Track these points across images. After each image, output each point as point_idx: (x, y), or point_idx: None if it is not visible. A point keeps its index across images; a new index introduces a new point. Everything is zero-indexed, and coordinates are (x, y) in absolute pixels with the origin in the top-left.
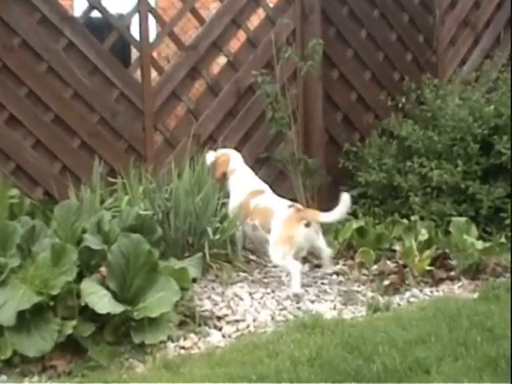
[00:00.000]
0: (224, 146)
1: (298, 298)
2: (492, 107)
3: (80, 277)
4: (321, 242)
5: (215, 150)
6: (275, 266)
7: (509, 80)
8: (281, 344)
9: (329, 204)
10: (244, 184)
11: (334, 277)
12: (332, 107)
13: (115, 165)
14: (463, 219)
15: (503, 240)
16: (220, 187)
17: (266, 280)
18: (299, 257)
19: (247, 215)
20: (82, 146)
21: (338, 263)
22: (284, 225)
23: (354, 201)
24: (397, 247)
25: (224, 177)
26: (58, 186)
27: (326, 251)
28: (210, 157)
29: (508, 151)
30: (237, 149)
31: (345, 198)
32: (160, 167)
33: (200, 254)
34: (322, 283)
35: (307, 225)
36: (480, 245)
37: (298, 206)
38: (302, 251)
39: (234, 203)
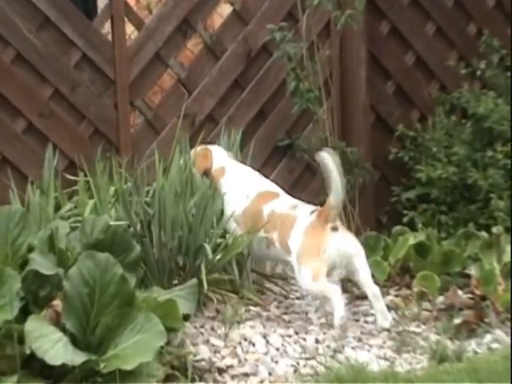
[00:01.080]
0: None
1: (343, 331)
2: None
3: (25, 313)
4: (360, 262)
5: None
6: (300, 298)
7: None
8: None
9: (375, 210)
10: (245, 184)
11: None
12: (380, 75)
13: (76, 156)
14: None
15: None
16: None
17: (286, 317)
18: (335, 279)
19: (259, 226)
20: (29, 130)
21: (388, 293)
22: (306, 235)
23: (412, 206)
24: (472, 271)
25: (207, 176)
26: None
27: (367, 276)
28: (191, 155)
29: None
30: (247, 132)
31: (323, 158)
32: (139, 160)
33: (195, 281)
34: (366, 321)
35: (334, 228)
36: None
37: (325, 207)
38: (336, 269)
39: (231, 210)
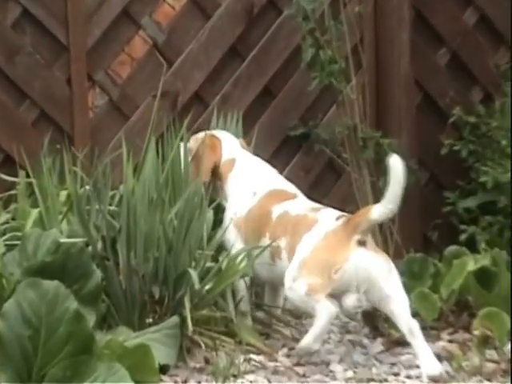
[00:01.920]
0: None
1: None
2: None
3: None
4: (393, 291)
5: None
6: None
7: None
8: None
9: (422, 224)
10: (253, 179)
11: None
12: (429, 40)
13: (14, 149)
14: None
15: None
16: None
17: (300, 369)
18: (343, 302)
19: (263, 232)
20: None
21: (439, 337)
22: (323, 242)
23: (472, 219)
24: None
25: (215, 175)
26: None
27: (404, 311)
28: (183, 148)
29: None
30: (247, 116)
31: (394, 162)
32: (100, 154)
33: (175, 320)
34: (409, 376)
35: (361, 243)
36: None
37: (351, 216)
38: (350, 294)
39: (233, 210)
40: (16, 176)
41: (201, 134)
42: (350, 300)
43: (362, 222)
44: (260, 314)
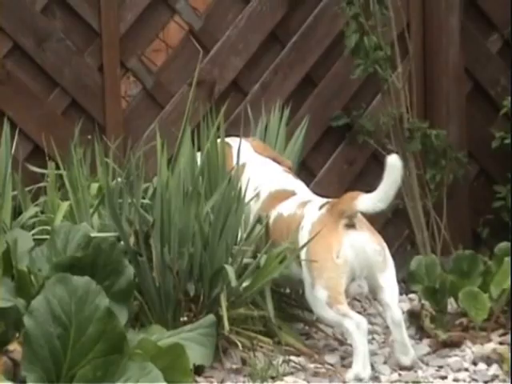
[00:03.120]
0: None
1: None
2: None
3: None
4: (385, 276)
5: None
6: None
7: None
8: None
9: (472, 219)
10: (258, 184)
11: (482, 366)
12: (481, 25)
13: (43, 140)
14: None
15: None
16: None
17: (343, 370)
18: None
19: (268, 236)
20: None
21: (489, 339)
22: (313, 235)
23: None
24: None
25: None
26: None
27: (391, 292)
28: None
29: None
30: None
31: (391, 162)
32: (133, 145)
33: (211, 318)
34: (457, 379)
35: (350, 225)
36: None
37: (335, 200)
38: (355, 281)
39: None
40: (45, 167)
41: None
42: (352, 286)
43: (345, 210)
44: (300, 313)
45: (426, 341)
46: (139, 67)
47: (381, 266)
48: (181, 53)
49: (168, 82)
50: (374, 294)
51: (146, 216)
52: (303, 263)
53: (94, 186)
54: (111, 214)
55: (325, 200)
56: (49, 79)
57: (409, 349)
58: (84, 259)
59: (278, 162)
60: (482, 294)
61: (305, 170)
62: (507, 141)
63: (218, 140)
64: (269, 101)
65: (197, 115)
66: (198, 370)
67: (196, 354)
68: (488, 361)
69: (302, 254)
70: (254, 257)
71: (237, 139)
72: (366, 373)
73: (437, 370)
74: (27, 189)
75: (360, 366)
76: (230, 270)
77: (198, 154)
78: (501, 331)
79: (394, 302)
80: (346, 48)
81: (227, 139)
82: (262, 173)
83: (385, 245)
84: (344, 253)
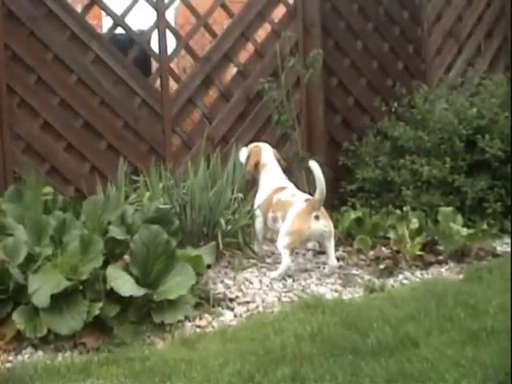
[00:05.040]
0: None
1: (273, 282)
2: (475, 110)
3: (106, 264)
4: (329, 242)
5: (246, 145)
6: None
7: (489, 86)
8: (286, 322)
9: (330, 197)
10: (271, 181)
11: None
12: (332, 111)
13: (138, 165)
14: (450, 209)
15: (485, 227)
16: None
17: (274, 266)
18: (306, 245)
19: (269, 209)
20: (109, 148)
21: (338, 250)
22: (296, 217)
23: (353, 194)
24: (391, 235)
25: (256, 168)
26: (88, 185)
27: (332, 250)
28: (243, 152)
29: (491, 149)
30: None
31: (313, 166)
32: (178, 166)
33: (214, 243)
34: (324, 267)
35: (317, 217)
36: (465, 231)
37: (313, 199)
38: (311, 242)
39: (260, 198)
40: (139, 177)
41: (252, 145)
42: (310, 244)
43: (314, 204)
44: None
45: (310, 252)
46: (180, 131)
47: (327, 237)
48: (198, 124)
49: (193, 138)
50: (323, 246)
51: (184, 198)
52: (283, 225)
53: (160, 185)
54: (168, 197)
55: (306, 196)
56: (141, 138)
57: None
58: (156, 218)
59: (279, 161)
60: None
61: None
62: (345, 162)
63: (252, 144)
64: (239, 146)
65: (206, 152)
66: (208, 266)
67: (207, 259)
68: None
69: (286, 219)
70: (233, 214)
71: (265, 144)
72: (277, 279)
73: (315, 264)
74: (132, 186)
75: (277, 276)
76: (222, 222)
77: (244, 149)
78: (343, 246)
79: (332, 253)
80: (273, 121)
81: (259, 143)
82: (273, 174)
83: (331, 224)
84: (308, 232)
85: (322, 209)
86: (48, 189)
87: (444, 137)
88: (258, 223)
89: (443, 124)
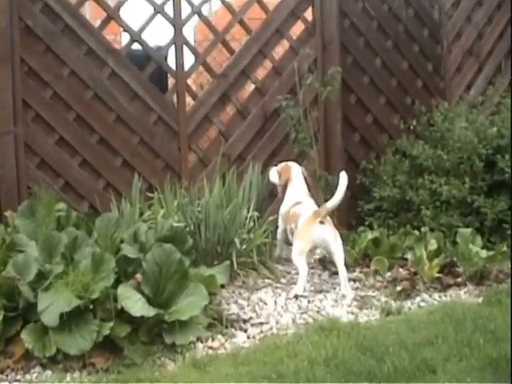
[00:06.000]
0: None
1: (297, 299)
2: (495, 129)
3: (117, 282)
4: (336, 248)
5: (276, 164)
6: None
7: (509, 105)
8: (300, 345)
9: (347, 216)
10: (294, 195)
11: (352, 283)
12: (350, 129)
13: (153, 181)
14: (469, 230)
15: (505, 249)
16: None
17: (289, 287)
18: (314, 253)
19: (287, 221)
20: (124, 164)
21: (355, 271)
22: (303, 224)
23: (371, 213)
24: (409, 256)
25: (286, 184)
26: (102, 201)
27: (340, 258)
28: (273, 171)
29: (509, 169)
30: (264, 166)
31: (342, 177)
32: (193, 183)
33: (228, 263)
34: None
35: (322, 222)
36: (484, 253)
37: (322, 207)
38: (317, 249)
39: (282, 209)
40: (153, 193)
41: (282, 164)
42: (317, 251)
43: (321, 211)
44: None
45: (326, 272)
46: (196, 148)
47: (333, 243)
48: (215, 141)
49: (209, 155)
50: (331, 256)
51: (199, 216)
52: (295, 234)
53: (175, 203)
54: (182, 215)
55: (315, 207)
56: (156, 155)
57: (347, 285)
58: (169, 237)
59: (306, 179)
60: (352, 250)
61: None
62: (363, 180)
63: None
64: (255, 164)
65: (222, 170)
66: (222, 286)
67: (221, 279)
68: (354, 281)
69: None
70: (248, 233)
71: (294, 163)
72: (302, 292)
73: (331, 285)
74: (146, 203)
75: (301, 289)
76: (237, 241)
77: (274, 169)
78: (360, 267)
79: (342, 260)
80: (290, 139)
81: (289, 163)
82: (296, 190)
83: (337, 232)
84: (313, 238)
85: (328, 218)
86: (61, 205)
87: (463, 156)
88: (278, 233)
89: (462, 143)
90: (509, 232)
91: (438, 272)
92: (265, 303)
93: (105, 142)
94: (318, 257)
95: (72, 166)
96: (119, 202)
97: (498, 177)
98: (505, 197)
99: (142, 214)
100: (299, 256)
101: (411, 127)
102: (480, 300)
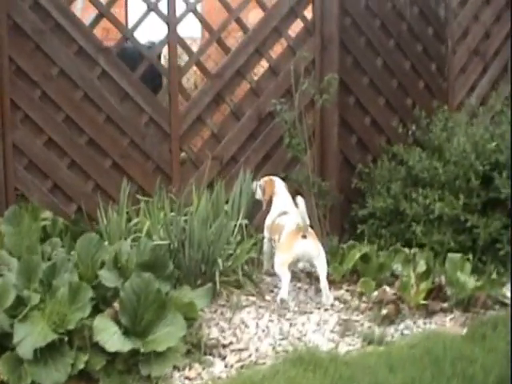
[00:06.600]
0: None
1: (281, 306)
2: (494, 144)
3: (95, 309)
4: (319, 262)
5: (260, 179)
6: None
7: (510, 117)
8: (275, 381)
9: (341, 220)
10: (279, 206)
11: (337, 303)
12: (347, 131)
13: (143, 183)
14: (458, 256)
15: (494, 276)
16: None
17: (275, 304)
18: (297, 266)
19: (272, 233)
20: (114, 166)
21: (341, 288)
22: (286, 237)
23: (364, 219)
24: (398, 271)
25: (271, 198)
26: (90, 203)
27: (323, 272)
28: (256, 187)
29: (506, 190)
30: (257, 169)
31: (300, 201)
32: (184, 186)
33: (210, 285)
34: (326, 309)
35: (304, 237)
36: (472, 283)
37: (304, 224)
38: (300, 262)
39: (268, 221)
40: (145, 196)
41: (266, 178)
42: (300, 265)
43: (302, 226)
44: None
45: (313, 287)
46: (188, 150)
47: (315, 257)
48: (207, 143)
49: (202, 157)
50: (314, 268)
51: (183, 234)
52: (277, 246)
53: (162, 214)
54: (167, 233)
55: (297, 220)
56: (147, 156)
57: (330, 298)
58: (149, 261)
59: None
60: (340, 266)
61: None
62: (358, 185)
63: (265, 177)
64: (248, 166)
65: (213, 173)
66: (202, 310)
67: (201, 303)
68: (339, 301)
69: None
70: (235, 250)
71: (277, 178)
72: (286, 296)
73: (315, 305)
74: (134, 207)
75: (285, 294)
76: (220, 261)
77: (257, 184)
78: (347, 284)
79: (324, 273)
80: (284, 143)
81: (271, 177)
82: (281, 202)
83: (320, 246)
84: (295, 250)
85: (312, 231)
86: (46, 213)
87: (459, 173)
88: (264, 242)
89: (459, 159)
90: (501, 252)
91: (426, 296)
92: (246, 326)
93: (94, 143)
94: (304, 269)
95: (61, 168)
96: (107, 203)
97: (494, 194)
98: (499, 215)
99: (129, 220)
100: (281, 266)
101: (410, 131)
102: (464, 332)
